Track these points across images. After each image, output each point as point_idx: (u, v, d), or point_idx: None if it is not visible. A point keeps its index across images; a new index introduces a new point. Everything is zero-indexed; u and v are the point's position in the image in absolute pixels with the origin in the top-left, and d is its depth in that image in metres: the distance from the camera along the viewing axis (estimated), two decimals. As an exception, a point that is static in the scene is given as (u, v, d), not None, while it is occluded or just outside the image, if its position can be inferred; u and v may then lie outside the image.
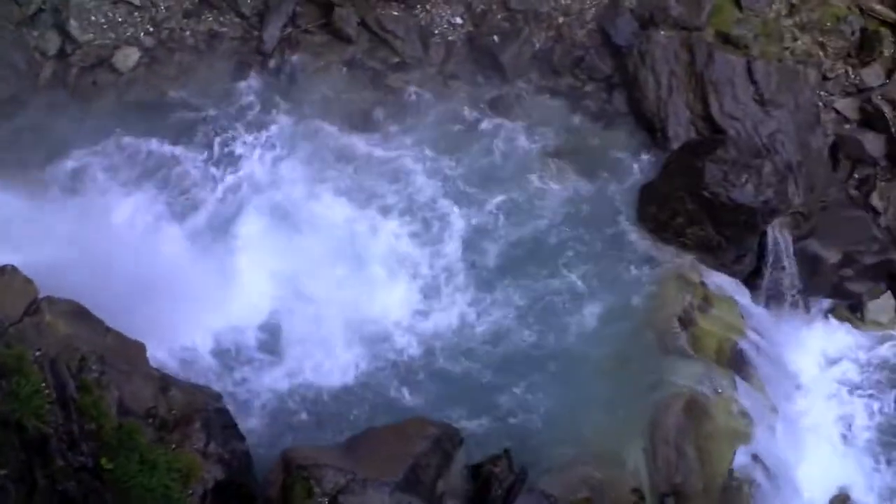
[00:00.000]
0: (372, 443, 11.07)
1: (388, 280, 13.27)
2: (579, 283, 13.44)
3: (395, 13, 15.32)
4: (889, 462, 14.00)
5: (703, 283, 13.54)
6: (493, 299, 13.23)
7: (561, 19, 15.36)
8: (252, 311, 12.55)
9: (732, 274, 13.97)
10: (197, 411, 10.03)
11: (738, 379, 12.87)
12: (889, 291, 15.08)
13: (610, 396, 12.38)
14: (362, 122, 14.49)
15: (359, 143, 14.28)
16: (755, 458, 12.51)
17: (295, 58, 14.85)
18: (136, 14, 14.63)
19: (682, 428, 12.14)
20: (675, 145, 14.30)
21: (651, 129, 14.60)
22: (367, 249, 13.43)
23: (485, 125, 14.67)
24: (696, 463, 12.04)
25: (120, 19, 14.54)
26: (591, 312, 13.18)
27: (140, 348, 10.45)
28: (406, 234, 13.67)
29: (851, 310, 15.11)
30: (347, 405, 12.05)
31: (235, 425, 10.56)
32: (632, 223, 13.98)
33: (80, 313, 10.23)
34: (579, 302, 13.29)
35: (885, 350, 14.91)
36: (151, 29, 14.61)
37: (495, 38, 15.30)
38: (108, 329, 10.32)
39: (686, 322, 13.07)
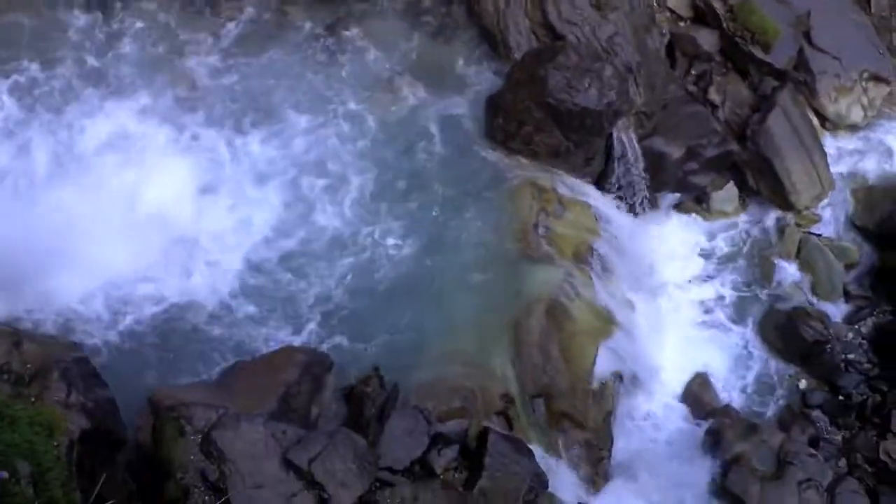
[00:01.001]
0: (241, 376, 11.04)
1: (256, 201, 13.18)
2: (436, 202, 13.51)
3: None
4: (742, 339, 14.88)
5: (555, 189, 13.83)
6: (348, 221, 13.17)
7: (392, -67, 15.20)
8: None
9: (583, 178, 14.32)
10: (55, 362, 9.76)
11: (595, 278, 13.32)
12: (731, 182, 15.78)
13: (476, 308, 12.63)
14: (204, 52, 14.20)
15: (198, 69, 14.02)
16: (616, 352, 13.06)
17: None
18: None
19: (546, 331, 12.52)
20: (518, 56, 14.35)
21: (492, 41, 14.63)
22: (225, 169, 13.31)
23: (325, 50, 14.47)
24: (560, 363, 12.46)
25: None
26: (450, 230, 13.30)
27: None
28: (265, 155, 13.56)
29: (697, 202, 15.74)
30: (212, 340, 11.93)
31: (97, 374, 10.32)
32: (482, 137, 14.11)
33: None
34: (438, 220, 13.40)
35: (730, 236, 15.69)
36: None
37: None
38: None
39: (542, 227, 13.40)
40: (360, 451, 10.06)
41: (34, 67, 13.63)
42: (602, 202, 14.40)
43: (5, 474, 8.27)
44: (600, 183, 14.55)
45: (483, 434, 10.96)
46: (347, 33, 14.65)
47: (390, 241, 13.11)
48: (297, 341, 11.92)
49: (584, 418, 12.45)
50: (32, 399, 9.22)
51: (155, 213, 12.35)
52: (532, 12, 14.60)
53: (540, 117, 13.73)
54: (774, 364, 14.63)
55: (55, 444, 9.04)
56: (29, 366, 9.58)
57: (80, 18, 14.29)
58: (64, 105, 13.39)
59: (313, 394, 11.07)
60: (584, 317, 12.93)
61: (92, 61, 13.96)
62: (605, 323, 13.16)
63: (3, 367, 9.35)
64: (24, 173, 12.52)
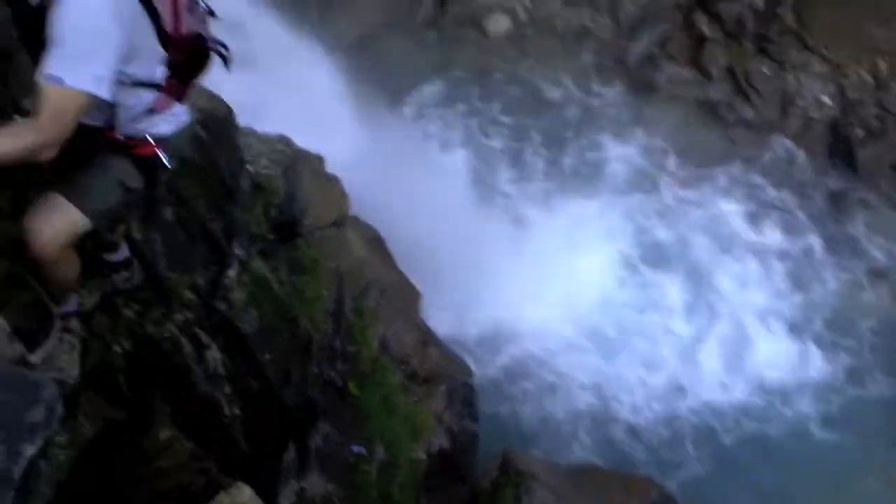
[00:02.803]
0: (592, 480, 10.62)
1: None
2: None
3: (765, 70, 14.65)
4: None
5: None
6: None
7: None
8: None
9: None
10: (446, 376, 9.96)
11: None
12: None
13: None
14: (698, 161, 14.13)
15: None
16: None
17: (654, 76, 14.63)
18: (520, -12, 14.88)
19: None
20: None
21: None
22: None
23: (819, 212, 13.86)
24: None
25: (504, -12, 14.82)
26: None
27: (416, 295, 10.51)
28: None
29: None
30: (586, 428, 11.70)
31: (475, 405, 10.42)
32: None
33: (376, 241, 10.43)
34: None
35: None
36: (529, 5, 14.77)
37: (859, 131, 14.38)
38: (394, 265, 10.46)
39: None
40: None
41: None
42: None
43: (364, 450, 8.52)
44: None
45: None
46: (848, 211, 13.89)
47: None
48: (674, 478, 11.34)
49: None
50: (416, 399, 9.45)
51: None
52: None
53: None
54: None
55: (413, 446, 9.22)
56: (426, 367, 9.85)
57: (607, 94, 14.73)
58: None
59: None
60: None
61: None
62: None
63: (406, 359, 9.68)
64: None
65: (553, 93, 14.43)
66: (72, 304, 4.48)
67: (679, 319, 12.86)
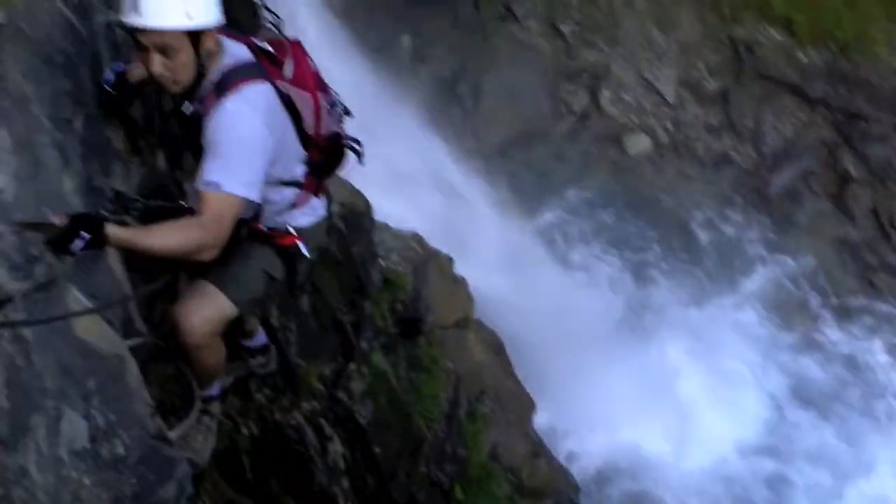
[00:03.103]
0: None
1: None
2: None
3: (912, 216, 14.28)
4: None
5: None
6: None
7: None
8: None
9: None
10: (553, 492, 9.80)
11: None
12: None
13: None
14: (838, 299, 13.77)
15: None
16: None
17: (794, 210, 14.43)
18: (663, 108, 14.93)
19: None
20: None
21: None
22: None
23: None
24: None
25: (647, 107, 14.90)
26: None
27: (531, 405, 10.43)
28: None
29: None
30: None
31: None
32: None
33: (497, 346, 10.44)
34: None
35: None
36: (671, 127, 14.85)
37: None
38: (512, 372, 10.43)
39: None
40: None
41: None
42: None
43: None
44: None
45: None
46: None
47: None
48: None
49: None
50: None
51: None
52: None
53: None
54: None
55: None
56: (534, 481, 9.67)
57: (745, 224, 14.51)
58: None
59: None
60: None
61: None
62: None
63: (515, 469, 9.53)
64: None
65: (689, 217, 14.31)
66: (214, 389, 4.65)
67: (824, 471, 12.19)
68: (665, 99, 14.88)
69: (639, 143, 14.71)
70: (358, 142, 4.61)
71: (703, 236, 14.19)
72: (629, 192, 14.24)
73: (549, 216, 13.76)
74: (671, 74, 14.90)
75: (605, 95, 14.79)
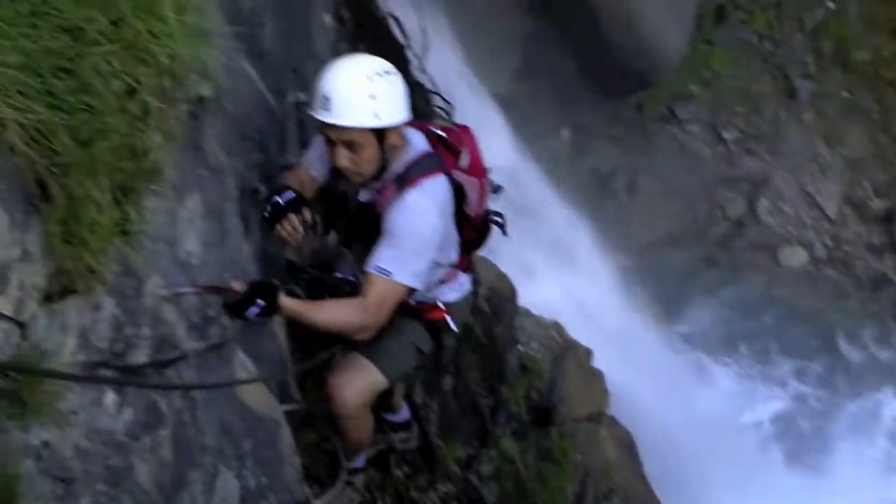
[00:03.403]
0: None
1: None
2: None
3: None
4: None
5: None
6: None
7: None
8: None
9: None
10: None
11: None
12: None
13: None
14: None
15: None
16: None
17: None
18: (823, 223, 14.58)
19: None
20: None
21: None
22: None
23: None
24: None
25: (807, 220, 14.57)
26: None
27: (655, 509, 10.17)
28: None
29: None
30: None
31: None
32: None
33: (629, 445, 10.24)
34: None
35: None
36: (830, 243, 14.47)
37: None
38: (643, 475, 10.20)
39: None
40: None
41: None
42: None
43: None
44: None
45: None
46: None
47: None
48: None
49: None
50: None
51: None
52: None
53: None
54: None
55: None
56: None
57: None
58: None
59: None
60: None
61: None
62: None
63: None
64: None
65: (840, 337, 13.80)
66: (360, 461, 4.77)
67: None
68: (826, 214, 14.50)
69: (794, 256, 14.34)
70: (501, 215, 4.71)
71: (855, 359, 13.63)
72: (777, 305, 13.85)
73: (694, 320, 13.50)
74: (834, 190, 14.56)
75: (763, 204, 14.51)
